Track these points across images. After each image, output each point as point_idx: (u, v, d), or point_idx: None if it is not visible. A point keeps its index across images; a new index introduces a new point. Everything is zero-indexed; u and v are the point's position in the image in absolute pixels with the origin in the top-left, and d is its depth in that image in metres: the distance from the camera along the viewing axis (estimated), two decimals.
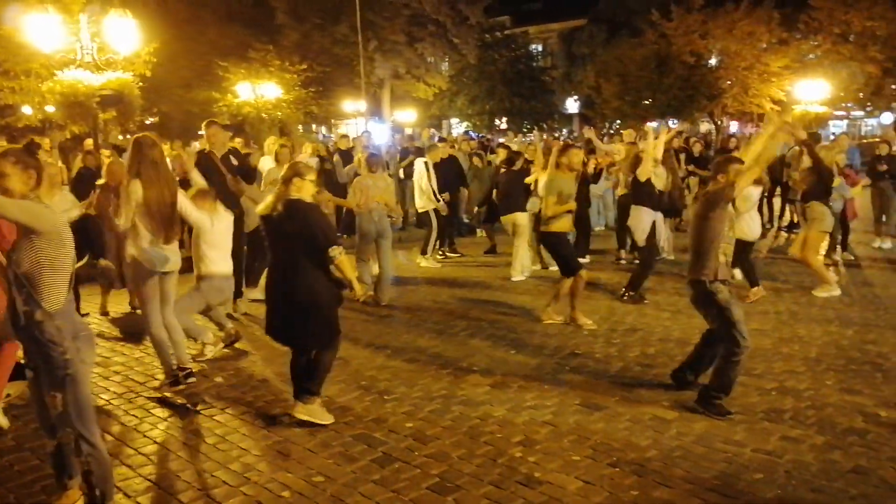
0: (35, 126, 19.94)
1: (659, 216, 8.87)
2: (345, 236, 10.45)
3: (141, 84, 13.19)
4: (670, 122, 34.98)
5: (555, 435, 4.88)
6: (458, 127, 42.15)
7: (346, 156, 13.52)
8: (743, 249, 8.14)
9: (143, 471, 4.49)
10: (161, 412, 5.48)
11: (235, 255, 7.19)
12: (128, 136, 20.74)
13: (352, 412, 5.34)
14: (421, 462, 4.51)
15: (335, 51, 29.35)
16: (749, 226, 8.23)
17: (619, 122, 32.91)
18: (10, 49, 15.88)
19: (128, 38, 11.86)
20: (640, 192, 8.68)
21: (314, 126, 36.97)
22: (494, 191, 11.01)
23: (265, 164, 11.07)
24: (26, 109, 19.86)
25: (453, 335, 7.34)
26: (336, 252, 4.83)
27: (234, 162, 7.99)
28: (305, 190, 4.95)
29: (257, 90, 24.04)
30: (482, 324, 7.72)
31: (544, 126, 39.49)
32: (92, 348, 3.77)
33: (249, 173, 8.46)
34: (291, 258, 4.92)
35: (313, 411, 5.06)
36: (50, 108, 16.36)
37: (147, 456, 4.70)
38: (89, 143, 12.56)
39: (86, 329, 3.75)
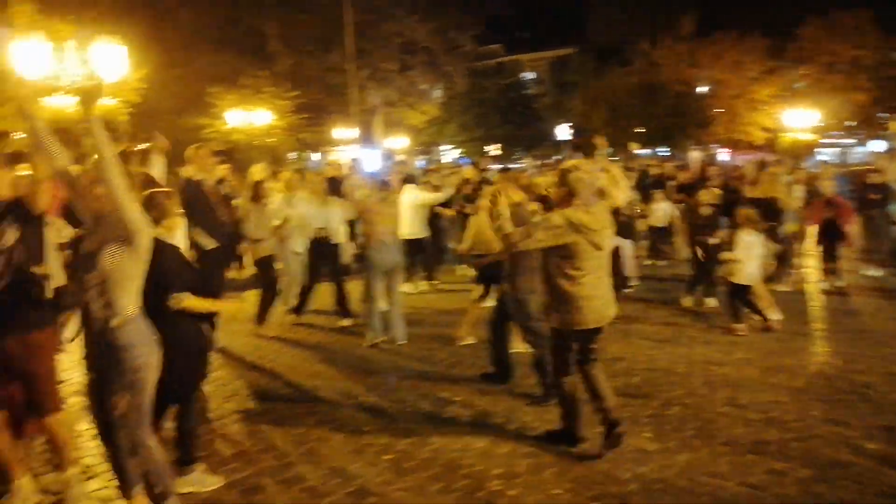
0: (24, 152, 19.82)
1: (626, 243, 9.54)
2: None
3: (131, 110, 13.18)
4: (659, 150, 35.23)
5: (536, 467, 4.78)
6: (447, 153, 42.28)
7: (335, 183, 13.43)
8: (741, 291, 8.20)
9: None
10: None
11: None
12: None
13: (327, 444, 5.23)
14: (397, 496, 4.40)
15: (327, 78, 29.50)
16: (747, 271, 8.18)
17: (610, 149, 33.02)
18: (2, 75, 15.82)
19: (116, 65, 11.89)
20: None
21: (304, 153, 37.01)
22: None
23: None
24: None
25: (435, 364, 7.24)
26: (175, 302, 4.08)
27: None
28: (171, 227, 4.28)
29: (249, 117, 24.04)
30: (464, 351, 7.60)
31: (536, 153, 39.72)
32: (157, 353, 3.80)
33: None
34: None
35: (196, 479, 4.54)
36: None
37: None
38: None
39: (153, 335, 3.80)
